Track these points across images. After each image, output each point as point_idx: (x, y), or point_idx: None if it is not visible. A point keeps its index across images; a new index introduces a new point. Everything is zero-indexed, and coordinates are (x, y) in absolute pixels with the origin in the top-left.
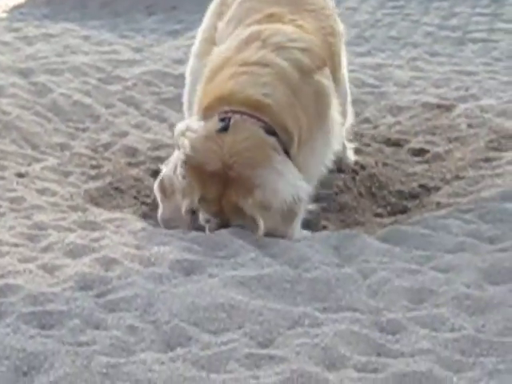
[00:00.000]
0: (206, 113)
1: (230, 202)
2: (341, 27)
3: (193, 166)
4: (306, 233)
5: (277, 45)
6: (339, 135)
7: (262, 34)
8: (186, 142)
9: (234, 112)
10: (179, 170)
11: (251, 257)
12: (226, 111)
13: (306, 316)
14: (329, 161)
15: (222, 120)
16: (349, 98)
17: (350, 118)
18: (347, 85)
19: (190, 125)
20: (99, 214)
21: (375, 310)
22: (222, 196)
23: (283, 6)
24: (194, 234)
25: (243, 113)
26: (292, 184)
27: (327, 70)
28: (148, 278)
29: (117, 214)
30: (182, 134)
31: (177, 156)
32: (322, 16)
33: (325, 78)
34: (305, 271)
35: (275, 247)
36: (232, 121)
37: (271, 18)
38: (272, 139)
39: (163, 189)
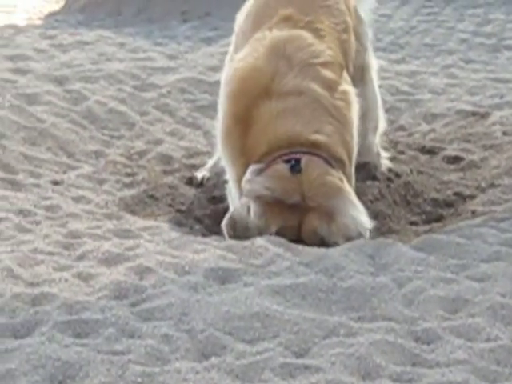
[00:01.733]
0: (264, 158)
1: (310, 228)
2: (367, 30)
3: (269, 203)
4: None
5: (302, 63)
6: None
7: (286, 48)
8: (257, 186)
9: (297, 153)
10: (255, 209)
11: (286, 265)
12: (286, 153)
13: (341, 326)
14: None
15: (287, 162)
16: (379, 103)
17: (382, 123)
18: (377, 89)
19: (253, 171)
20: (134, 222)
21: (410, 319)
22: (301, 224)
23: (297, 3)
24: (228, 242)
25: (305, 152)
26: (364, 212)
27: (345, 74)
28: (183, 287)
29: (151, 222)
30: (250, 180)
31: (245, 201)
32: (336, 11)
33: (346, 84)
34: (340, 280)
35: (310, 256)
36: (303, 162)
37: (287, 21)
38: (338, 173)
39: (233, 226)
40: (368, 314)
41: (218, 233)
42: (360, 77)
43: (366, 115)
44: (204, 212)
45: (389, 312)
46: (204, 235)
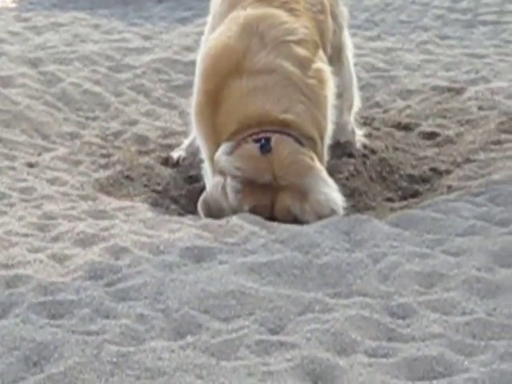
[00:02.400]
0: (235, 136)
1: (283, 207)
2: (343, 9)
3: (241, 183)
4: None
5: (275, 41)
6: (331, 115)
7: (259, 26)
8: (228, 166)
9: (267, 132)
10: (231, 187)
11: (261, 243)
12: (256, 132)
13: (317, 302)
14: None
15: (257, 141)
16: (354, 82)
17: (357, 102)
18: (352, 68)
19: (224, 151)
20: (109, 203)
21: (386, 294)
22: (274, 203)
23: None
24: (204, 220)
25: (275, 131)
26: (336, 190)
27: (321, 52)
28: (158, 266)
29: (127, 203)
30: (221, 159)
31: (218, 180)
32: None
33: (321, 62)
34: (315, 257)
35: (285, 233)
36: (272, 141)
37: (262, 1)
38: (308, 151)
39: (207, 207)
40: (344, 290)
41: (194, 212)
42: (336, 56)
43: (342, 94)
44: (180, 192)
45: (364, 287)
46: (180, 215)
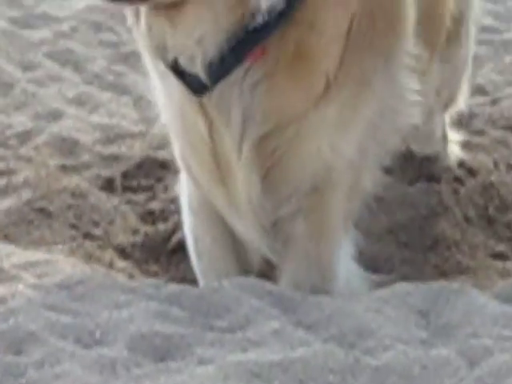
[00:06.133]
0: None
1: None
2: None
3: None
4: (361, 274)
5: None
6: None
7: None
8: None
9: None
10: None
11: (273, 328)
12: None
13: None
14: (393, 142)
15: None
16: (468, 68)
17: (464, 97)
18: (472, 47)
19: None
20: (8, 256)
21: None
22: None
23: None
24: (172, 287)
25: None
26: None
27: None
28: (90, 368)
29: (39, 255)
30: None
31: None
32: None
33: None
34: (366, 354)
35: (314, 311)
36: None
37: None
38: None
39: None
40: None
41: (157, 273)
42: (454, 33)
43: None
44: (132, 238)
45: None
46: (131, 277)
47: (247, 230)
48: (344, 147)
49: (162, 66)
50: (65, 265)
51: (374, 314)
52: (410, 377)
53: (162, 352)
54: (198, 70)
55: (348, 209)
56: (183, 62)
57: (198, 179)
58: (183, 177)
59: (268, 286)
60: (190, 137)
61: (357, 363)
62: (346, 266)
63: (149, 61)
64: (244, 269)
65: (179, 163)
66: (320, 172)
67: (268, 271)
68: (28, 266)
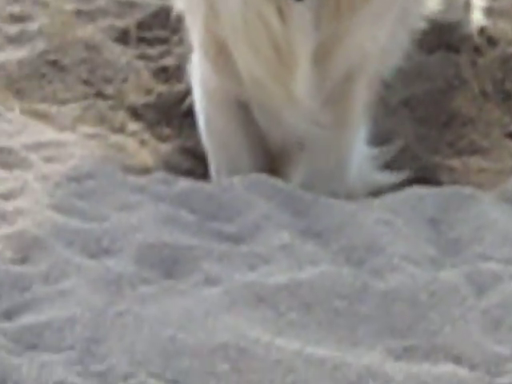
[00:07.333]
0: None
1: None
2: None
3: None
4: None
5: None
6: None
7: None
8: None
9: None
10: None
11: (282, 242)
12: None
13: (372, 367)
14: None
15: None
16: None
17: None
18: None
19: None
20: (18, 133)
21: (500, 361)
22: None
23: None
24: (183, 184)
25: None
26: None
27: None
28: (96, 285)
29: (49, 135)
30: None
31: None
32: None
33: None
34: (374, 275)
35: (325, 217)
36: None
37: None
38: None
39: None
40: (422, 345)
41: (169, 137)
42: None
43: None
44: (145, 99)
45: (460, 345)
46: (142, 142)
47: (291, 113)
48: (380, 35)
49: None
50: (75, 148)
51: (384, 228)
52: (416, 304)
53: (169, 265)
54: None
55: (368, 96)
56: None
57: (238, 58)
58: (196, 58)
59: (280, 183)
60: (250, 25)
61: (364, 288)
62: (359, 150)
63: None
64: (255, 160)
65: (197, 45)
66: (356, 60)
67: (279, 167)
68: (38, 147)
